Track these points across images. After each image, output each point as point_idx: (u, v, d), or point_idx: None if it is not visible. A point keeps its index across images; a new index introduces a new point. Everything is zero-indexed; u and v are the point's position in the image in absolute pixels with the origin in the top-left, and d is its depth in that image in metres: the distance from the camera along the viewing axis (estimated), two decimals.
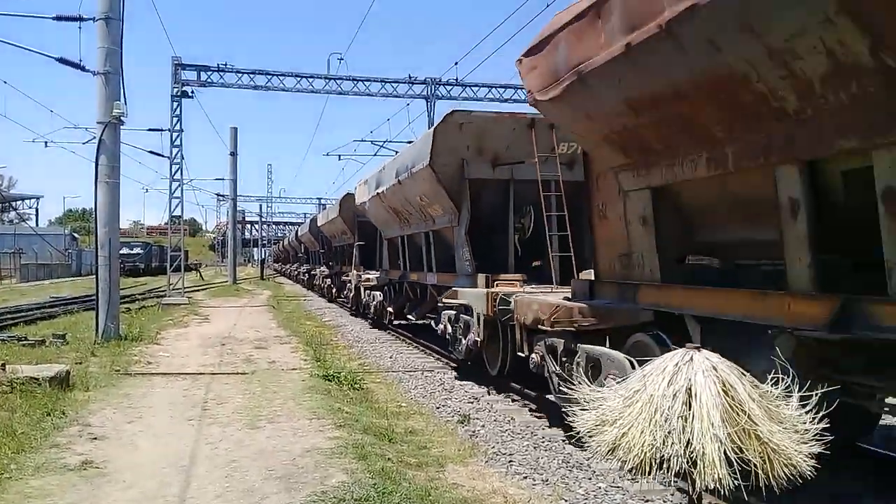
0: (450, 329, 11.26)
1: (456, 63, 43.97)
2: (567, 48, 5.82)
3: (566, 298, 7.48)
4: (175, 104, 27.67)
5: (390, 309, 16.86)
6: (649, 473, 3.37)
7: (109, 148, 13.67)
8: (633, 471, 3.39)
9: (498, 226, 11.32)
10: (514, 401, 9.35)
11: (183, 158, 28.14)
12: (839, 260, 4.36)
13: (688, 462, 3.38)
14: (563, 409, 5.01)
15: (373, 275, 18.52)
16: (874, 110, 3.56)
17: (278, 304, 26.33)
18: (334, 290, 27.66)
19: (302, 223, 55.89)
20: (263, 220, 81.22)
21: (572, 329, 6.88)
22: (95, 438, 6.38)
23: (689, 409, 3.39)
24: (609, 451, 3.45)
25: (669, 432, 3.34)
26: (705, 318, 5.23)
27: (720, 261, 5.60)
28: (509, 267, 11.05)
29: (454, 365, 12.02)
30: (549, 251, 9.63)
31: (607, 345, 6.36)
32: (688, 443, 3.37)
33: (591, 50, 5.37)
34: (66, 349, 12.22)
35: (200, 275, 57.12)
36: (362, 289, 19.70)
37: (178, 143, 28.02)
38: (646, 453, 3.34)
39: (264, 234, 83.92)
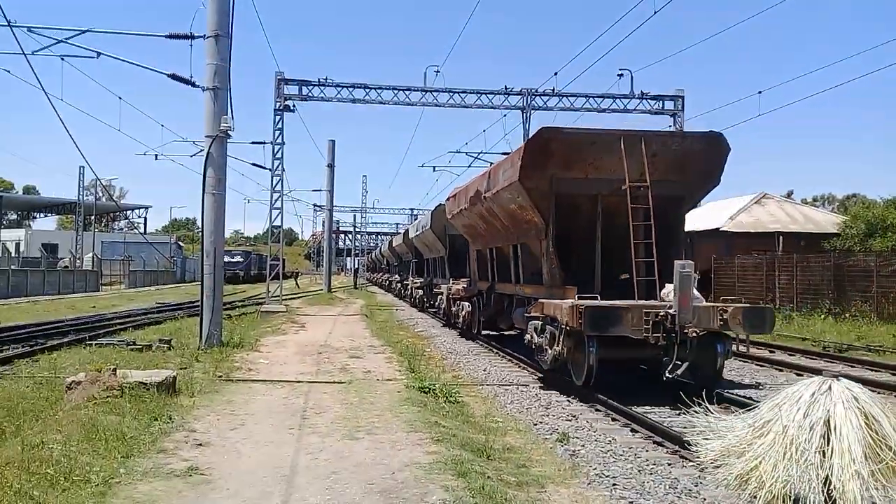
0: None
1: (555, 73, 43.31)
2: (455, 200, 17.04)
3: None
4: (277, 118, 28.47)
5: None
6: None
7: (216, 160, 14.11)
8: None
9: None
10: (614, 420, 9.02)
11: (283, 170, 28.98)
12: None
13: (825, 500, 3.08)
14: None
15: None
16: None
17: (371, 314, 26.62)
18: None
19: (395, 234, 56.58)
20: (357, 230, 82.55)
21: None
22: (200, 444, 6.49)
23: (828, 443, 3.09)
24: (738, 485, 3.18)
25: (806, 467, 3.04)
26: (508, 294, 14.75)
27: None
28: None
29: (543, 376, 11.77)
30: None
31: None
32: (826, 479, 3.07)
33: (461, 204, 16.32)
34: (172, 354, 12.63)
35: (297, 283, 58.70)
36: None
37: (279, 155, 28.88)
38: (779, 489, 3.06)
39: (358, 243, 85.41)
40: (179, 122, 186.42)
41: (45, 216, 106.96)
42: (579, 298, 10.24)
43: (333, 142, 41.87)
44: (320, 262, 77.25)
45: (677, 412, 8.72)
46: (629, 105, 28.97)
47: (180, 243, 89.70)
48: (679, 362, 9.66)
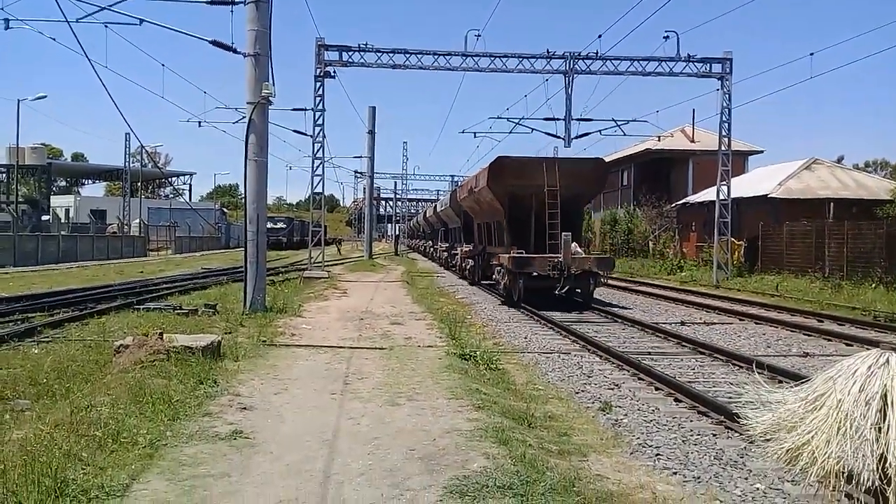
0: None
1: (599, 36, 42.24)
2: (462, 189, 27.44)
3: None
4: (317, 84, 28.41)
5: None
6: (835, 488, 2.99)
7: (258, 127, 14.16)
8: (820, 482, 3.01)
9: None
10: (657, 389, 8.92)
11: (324, 137, 29.05)
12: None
13: (881, 478, 2.97)
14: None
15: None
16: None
17: (412, 281, 26.73)
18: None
19: (436, 200, 56.49)
20: (398, 196, 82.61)
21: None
22: (244, 408, 6.58)
23: (885, 419, 2.98)
24: (789, 459, 3.09)
25: (861, 443, 2.94)
26: (490, 253, 23.44)
27: None
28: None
29: (584, 345, 11.73)
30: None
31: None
32: (881, 457, 2.96)
33: (464, 192, 26.12)
34: (217, 319, 12.85)
35: (339, 250, 59.16)
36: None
37: (319, 122, 28.95)
38: (832, 465, 2.96)
39: (398, 210, 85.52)
40: (221, 89, 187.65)
41: (94, 183, 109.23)
42: (515, 254, 19.03)
43: (374, 108, 41.95)
44: (361, 228, 77.50)
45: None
46: (675, 69, 28.21)
47: (224, 210, 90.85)
48: (565, 286, 18.15)
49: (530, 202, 19.68)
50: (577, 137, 29.08)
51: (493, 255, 22.49)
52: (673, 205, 41.91)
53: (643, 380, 9.45)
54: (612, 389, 8.99)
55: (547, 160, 20.92)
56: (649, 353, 11.48)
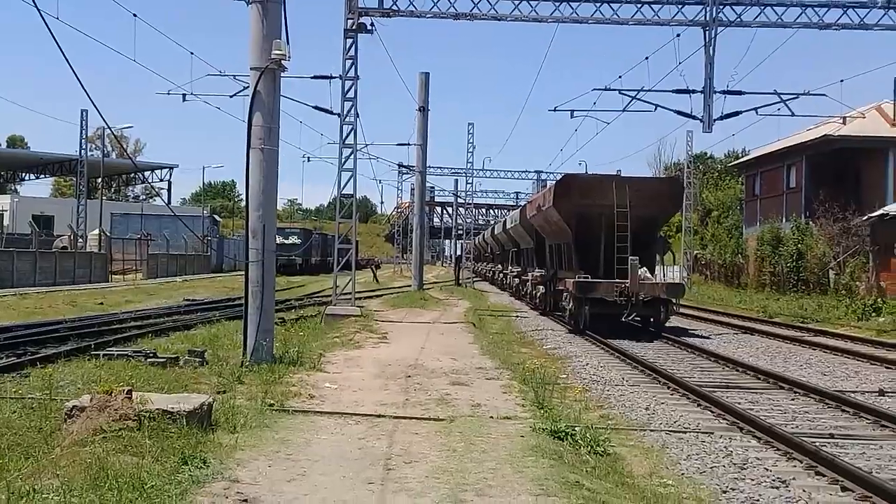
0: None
1: None
2: (532, 206, 34.70)
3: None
4: (349, 41, 27.90)
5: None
6: None
7: (265, 102, 14.36)
8: None
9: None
10: (844, 490, 8.71)
11: (357, 116, 28.32)
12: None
13: None
14: None
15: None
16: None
17: (481, 322, 26.77)
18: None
19: (514, 207, 56.46)
20: (461, 201, 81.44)
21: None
22: (246, 502, 6.63)
23: None
24: None
25: None
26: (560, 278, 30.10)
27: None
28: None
29: (744, 426, 11.55)
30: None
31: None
32: None
33: (534, 209, 33.18)
34: (206, 372, 13.03)
35: (375, 276, 59.50)
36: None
37: (351, 94, 28.18)
38: None
39: (461, 221, 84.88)
40: (215, 50, 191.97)
41: (37, 178, 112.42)
42: (580, 278, 24.54)
43: (427, 75, 41.92)
44: (407, 246, 77.90)
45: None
46: (867, 18, 27.72)
47: (216, 217, 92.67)
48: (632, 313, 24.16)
49: (599, 223, 25.18)
50: (721, 118, 28.94)
51: (561, 280, 28.05)
52: (865, 217, 40.99)
53: (823, 475, 9.27)
54: (777, 488, 8.86)
55: (617, 178, 27.36)
56: (831, 436, 11.28)
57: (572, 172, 26.35)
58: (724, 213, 69.64)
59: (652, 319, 25.09)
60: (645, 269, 24.62)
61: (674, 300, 25.13)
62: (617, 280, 23.90)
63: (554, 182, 27.66)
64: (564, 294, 26.56)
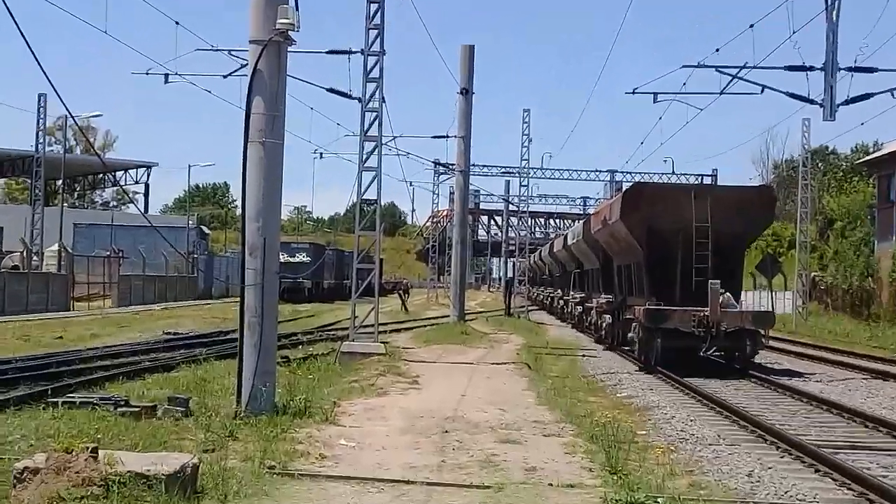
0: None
1: None
2: (597, 218, 37.26)
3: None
4: (374, 6, 27.78)
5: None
6: None
7: (268, 84, 14.45)
8: None
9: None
10: None
11: (383, 101, 28.34)
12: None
13: None
14: None
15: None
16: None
17: (537, 362, 26.65)
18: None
19: (581, 215, 56.27)
20: (514, 208, 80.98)
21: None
22: None
23: None
24: None
25: None
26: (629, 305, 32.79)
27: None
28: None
29: (875, 499, 11.44)
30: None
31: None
32: None
33: (599, 222, 35.64)
34: (191, 425, 13.07)
35: (404, 303, 59.10)
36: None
37: (375, 74, 28.17)
38: None
39: (514, 233, 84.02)
40: (204, 19, 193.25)
41: None
42: (651, 305, 25.90)
43: (472, 48, 41.94)
44: (445, 265, 77.60)
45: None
46: None
47: (204, 229, 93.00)
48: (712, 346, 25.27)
49: (675, 241, 26.05)
50: (847, 102, 28.67)
51: (630, 307, 29.62)
52: None
53: None
54: None
55: (697, 188, 31.71)
56: None
57: (642, 182, 26.43)
58: (850, 223, 68.83)
59: (737, 354, 26.03)
60: (728, 294, 25.34)
61: (762, 332, 25.99)
62: (695, 308, 24.70)
63: (622, 192, 28.17)
64: (633, 324, 27.77)
